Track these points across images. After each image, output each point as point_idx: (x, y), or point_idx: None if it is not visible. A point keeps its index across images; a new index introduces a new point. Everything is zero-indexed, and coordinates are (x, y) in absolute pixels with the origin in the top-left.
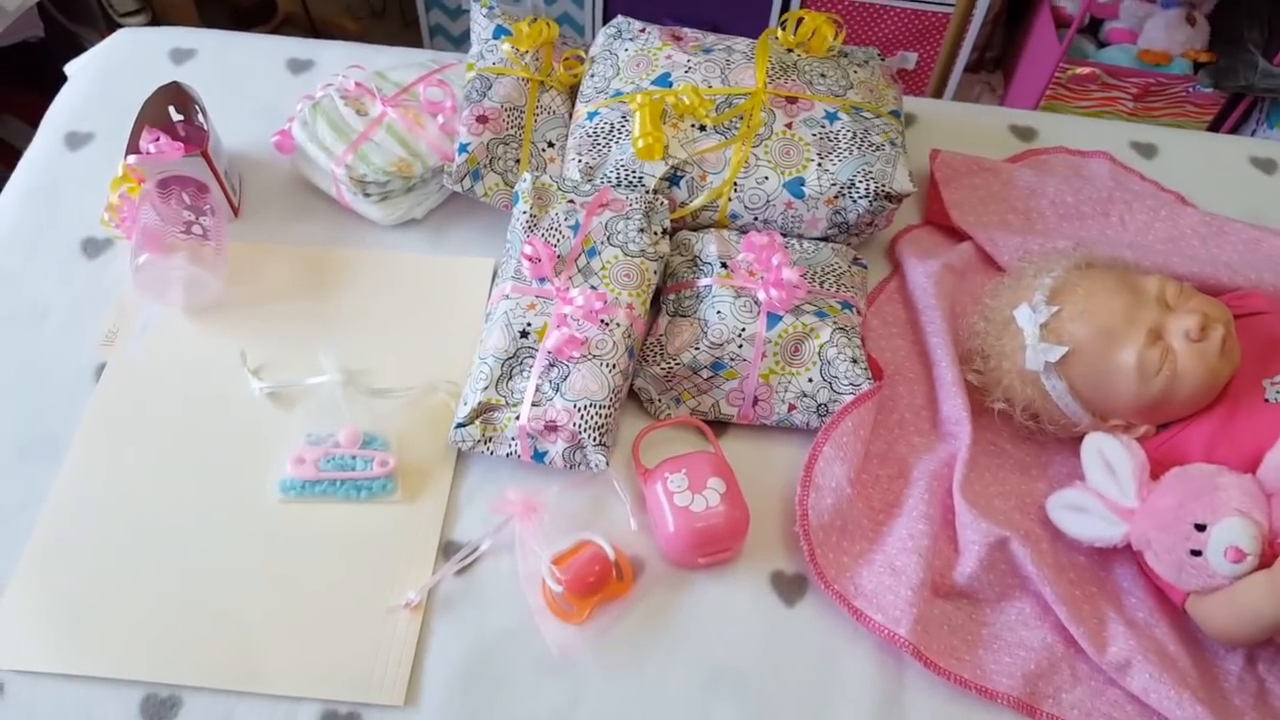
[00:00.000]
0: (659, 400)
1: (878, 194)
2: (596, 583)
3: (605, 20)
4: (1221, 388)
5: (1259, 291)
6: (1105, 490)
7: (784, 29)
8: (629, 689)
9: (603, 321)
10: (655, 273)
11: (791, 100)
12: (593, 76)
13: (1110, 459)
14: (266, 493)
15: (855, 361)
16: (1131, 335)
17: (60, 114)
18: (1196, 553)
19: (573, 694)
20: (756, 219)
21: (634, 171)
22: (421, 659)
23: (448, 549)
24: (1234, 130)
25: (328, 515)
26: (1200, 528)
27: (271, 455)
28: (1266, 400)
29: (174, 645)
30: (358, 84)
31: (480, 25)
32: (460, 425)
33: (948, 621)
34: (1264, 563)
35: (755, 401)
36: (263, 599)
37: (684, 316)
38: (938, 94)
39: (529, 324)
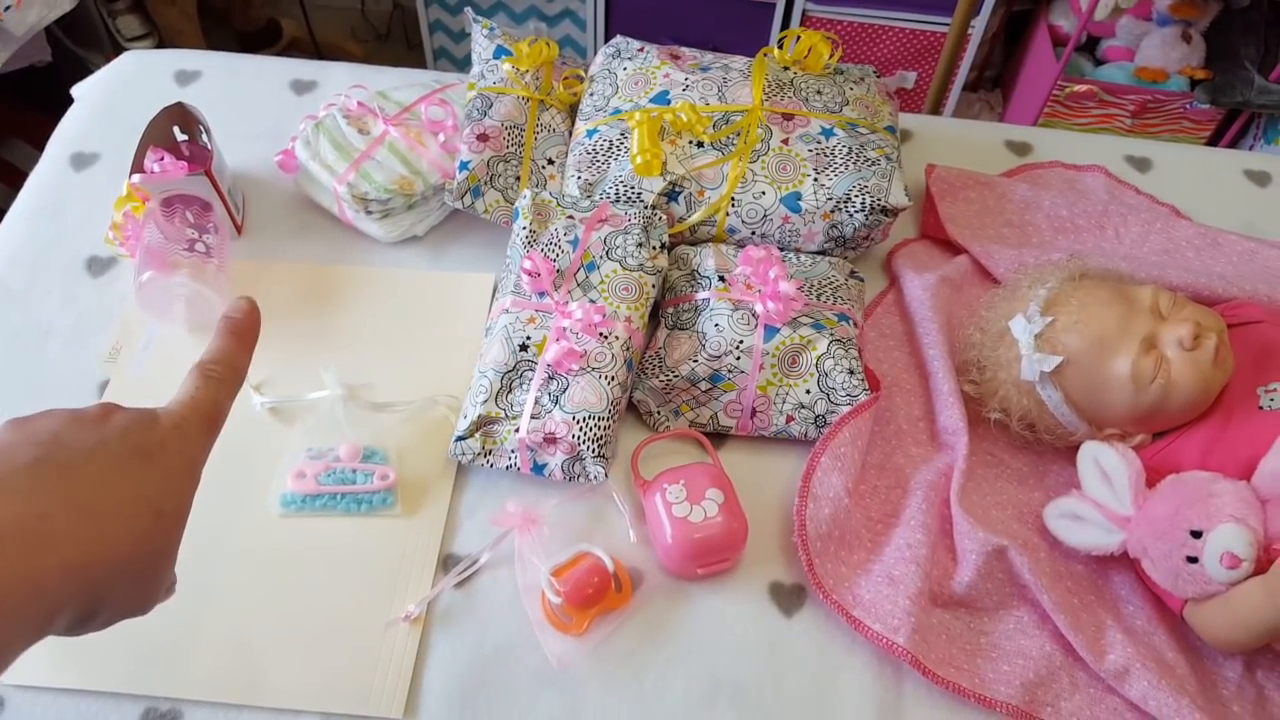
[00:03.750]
0: (658, 412)
1: (873, 208)
2: (595, 594)
3: (606, 43)
4: (1215, 396)
5: (1254, 302)
6: (1101, 498)
7: (780, 48)
8: (628, 700)
9: (601, 335)
10: (654, 286)
11: (788, 117)
12: (592, 95)
13: (1106, 467)
14: (267, 507)
15: (852, 373)
16: (1125, 345)
17: (66, 135)
18: (1193, 559)
19: (571, 705)
20: (754, 233)
21: (632, 187)
22: (420, 671)
23: (447, 562)
24: (1231, 146)
25: (328, 529)
26: (1196, 534)
27: (272, 470)
28: (1260, 408)
29: (174, 658)
30: (360, 103)
31: (481, 45)
32: (460, 438)
33: (946, 631)
34: (1259, 569)
35: (753, 413)
36: (263, 612)
37: (682, 329)
38: (936, 112)
39: (528, 337)
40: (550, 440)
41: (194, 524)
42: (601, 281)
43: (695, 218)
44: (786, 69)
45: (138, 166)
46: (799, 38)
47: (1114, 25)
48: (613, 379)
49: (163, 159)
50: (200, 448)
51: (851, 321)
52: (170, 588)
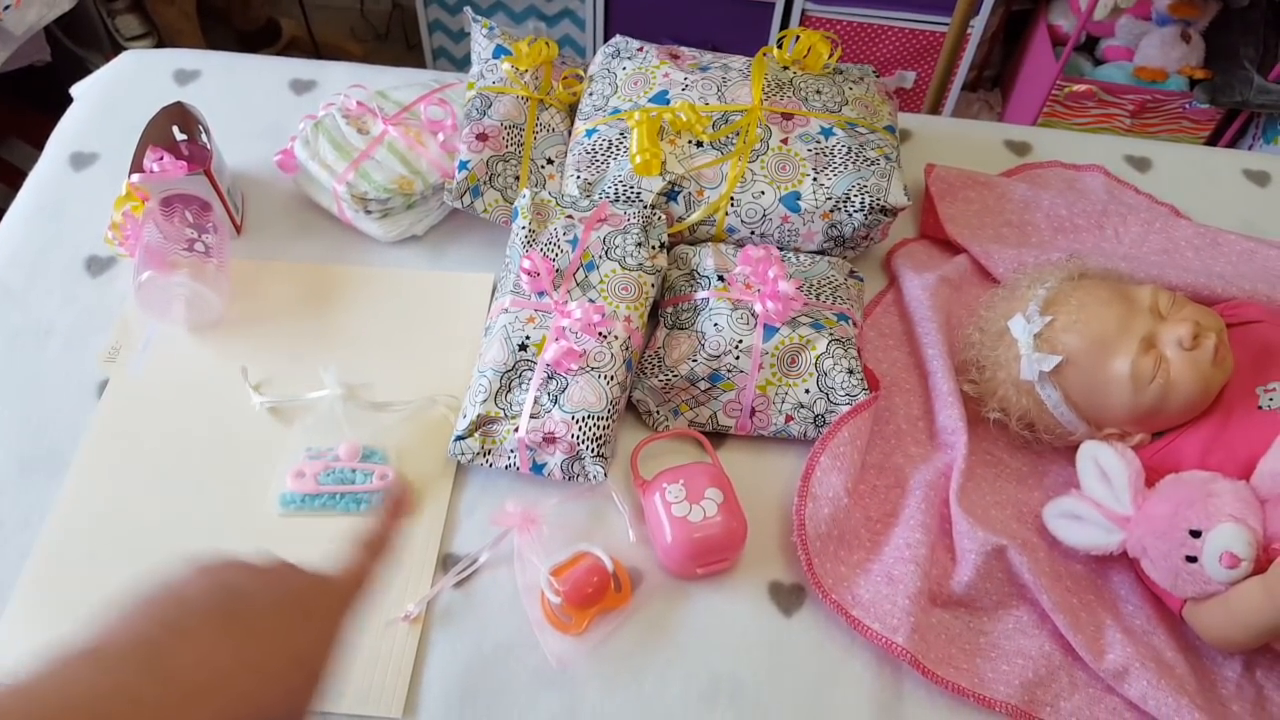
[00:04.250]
0: (657, 412)
1: (873, 208)
2: (595, 594)
3: (605, 42)
4: (1215, 396)
5: (1253, 301)
6: (1101, 498)
7: (780, 47)
8: (627, 699)
9: (601, 334)
10: (653, 286)
11: (787, 116)
12: (591, 94)
13: (1105, 467)
14: (267, 507)
15: (851, 373)
16: (1125, 344)
17: (65, 134)
18: (1192, 559)
19: (571, 705)
20: (753, 233)
21: (632, 187)
22: (420, 671)
23: (446, 561)
24: (1231, 146)
25: (327, 529)
26: (1195, 534)
27: (272, 470)
28: (1260, 408)
29: None
30: (359, 103)
31: (481, 45)
32: (459, 438)
33: (945, 630)
34: (1258, 568)
35: (753, 413)
36: None
37: (682, 329)
38: (935, 112)
39: (528, 337)
40: (549, 440)
41: (194, 524)
42: (601, 281)
43: (694, 217)
44: (786, 69)
45: (137, 166)
46: (798, 37)
47: (1113, 25)
48: (612, 378)
49: (162, 158)
50: (350, 611)
51: (851, 321)
52: None
